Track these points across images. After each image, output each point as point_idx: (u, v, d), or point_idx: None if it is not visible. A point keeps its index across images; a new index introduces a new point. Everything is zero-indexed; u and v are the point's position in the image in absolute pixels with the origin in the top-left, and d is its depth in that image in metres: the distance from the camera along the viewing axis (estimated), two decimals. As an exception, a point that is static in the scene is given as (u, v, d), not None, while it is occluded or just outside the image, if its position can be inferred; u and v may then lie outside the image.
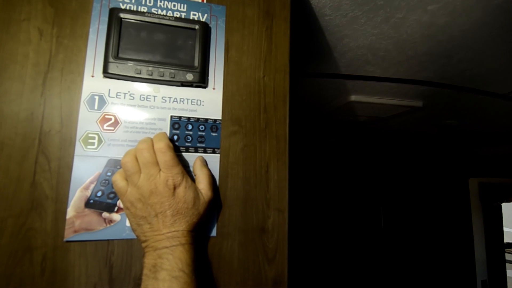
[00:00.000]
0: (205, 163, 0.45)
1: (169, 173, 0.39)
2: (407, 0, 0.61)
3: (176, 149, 0.45)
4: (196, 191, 0.41)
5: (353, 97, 1.22)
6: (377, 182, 2.76)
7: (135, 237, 0.42)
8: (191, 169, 0.45)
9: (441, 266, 2.69)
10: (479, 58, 0.86)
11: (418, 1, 0.62)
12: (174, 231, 0.38)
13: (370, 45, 0.80)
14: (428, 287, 2.64)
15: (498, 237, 2.72)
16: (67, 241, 0.40)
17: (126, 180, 0.40)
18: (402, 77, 1.03)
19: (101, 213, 0.41)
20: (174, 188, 0.39)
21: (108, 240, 0.41)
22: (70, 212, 0.40)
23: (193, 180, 0.43)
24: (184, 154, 0.46)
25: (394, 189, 2.76)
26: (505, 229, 2.91)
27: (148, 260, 0.37)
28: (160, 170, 0.39)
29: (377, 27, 0.71)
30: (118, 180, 0.40)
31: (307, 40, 0.79)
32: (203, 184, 0.43)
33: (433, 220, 2.75)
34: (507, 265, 2.86)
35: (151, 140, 0.41)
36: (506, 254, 2.84)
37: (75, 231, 0.40)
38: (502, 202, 2.75)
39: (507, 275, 2.74)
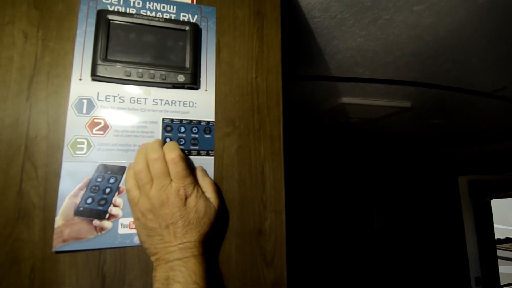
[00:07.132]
0: (205, 172, 0.45)
1: (180, 183, 0.39)
2: (394, 1, 0.63)
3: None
4: (206, 200, 0.41)
5: (344, 99, 1.23)
6: (370, 183, 2.78)
7: (128, 245, 0.41)
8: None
9: (435, 264, 2.71)
10: (465, 57, 0.88)
11: (404, 2, 0.63)
12: (186, 242, 0.37)
13: (358, 46, 0.82)
14: (423, 285, 2.66)
15: (489, 234, 2.77)
16: (56, 252, 0.38)
17: (139, 189, 0.39)
18: (390, 78, 1.04)
19: (91, 221, 0.40)
20: (186, 198, 0.39)
21: (99, 249, 0.40)
22: (59, 220, 0.38)
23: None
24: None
25: (386, 189, 2.79)
26: (495, 225, 2.97)
27: (160, 274, 0.36)
28: (171, 180, 0.39)
29: (365, 28, 0.73)
30: (133, 189, 0.39)
31: (297, 43, 0.80)
32: (209, 193, 0.42)
33: (425, 218, 2.78)
34: (499, 261, 2.90)
35: (161, 149, 0.40)
36: (498, 251, 2.89)
37: (64, 241, 0.38)
38: (491, 199, 2.81)
39: (500, 271, 2.78)
